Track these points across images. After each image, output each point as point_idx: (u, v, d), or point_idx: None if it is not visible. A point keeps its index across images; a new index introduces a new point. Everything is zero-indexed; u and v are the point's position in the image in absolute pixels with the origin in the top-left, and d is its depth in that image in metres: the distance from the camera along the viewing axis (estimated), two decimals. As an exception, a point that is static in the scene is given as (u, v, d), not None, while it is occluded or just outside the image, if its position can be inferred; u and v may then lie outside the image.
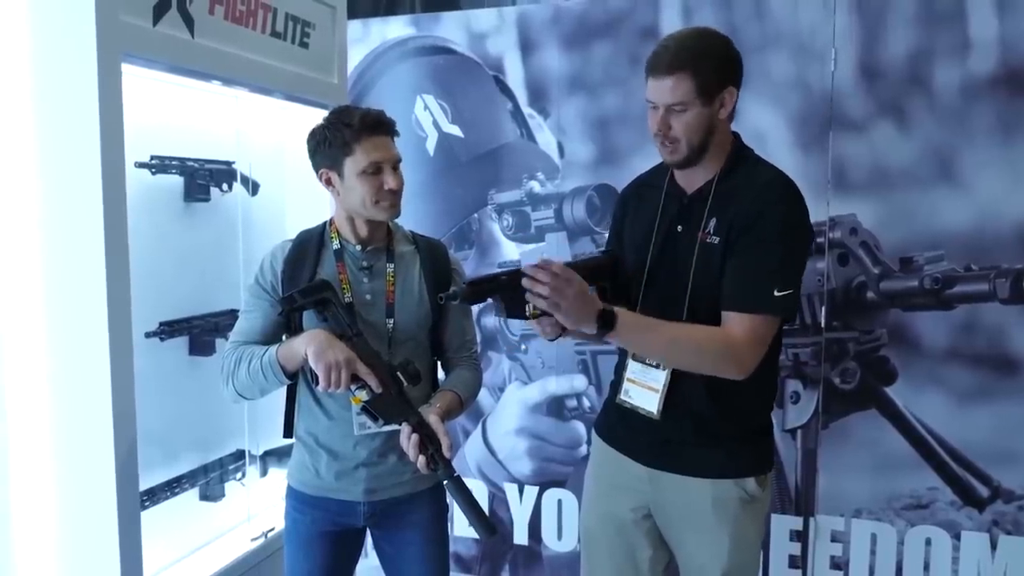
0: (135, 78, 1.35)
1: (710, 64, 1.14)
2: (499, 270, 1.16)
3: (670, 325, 1.17)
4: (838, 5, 1.79)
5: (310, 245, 1.27)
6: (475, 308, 1.63)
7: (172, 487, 1.58)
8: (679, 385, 1.21)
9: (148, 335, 1.51)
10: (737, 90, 1.17)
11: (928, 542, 1.86)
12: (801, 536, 1.94)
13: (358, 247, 1.27)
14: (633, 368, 1.26)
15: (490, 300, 1.14)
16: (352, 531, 1.31)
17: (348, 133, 1.18)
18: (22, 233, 1.27)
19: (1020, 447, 1.77)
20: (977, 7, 1.71)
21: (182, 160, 1.60)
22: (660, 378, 1.23)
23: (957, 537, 1.83)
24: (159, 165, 1.55)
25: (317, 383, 1.14)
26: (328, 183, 1.23)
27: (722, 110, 1.17)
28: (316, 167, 1.24)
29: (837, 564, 1.93)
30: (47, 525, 1.31)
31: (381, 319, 1.25)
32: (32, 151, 1.26)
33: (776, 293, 1.13)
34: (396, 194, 1.22)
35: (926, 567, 1.86)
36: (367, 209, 1.22)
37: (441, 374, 1.36)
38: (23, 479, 1.31)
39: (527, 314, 1.14)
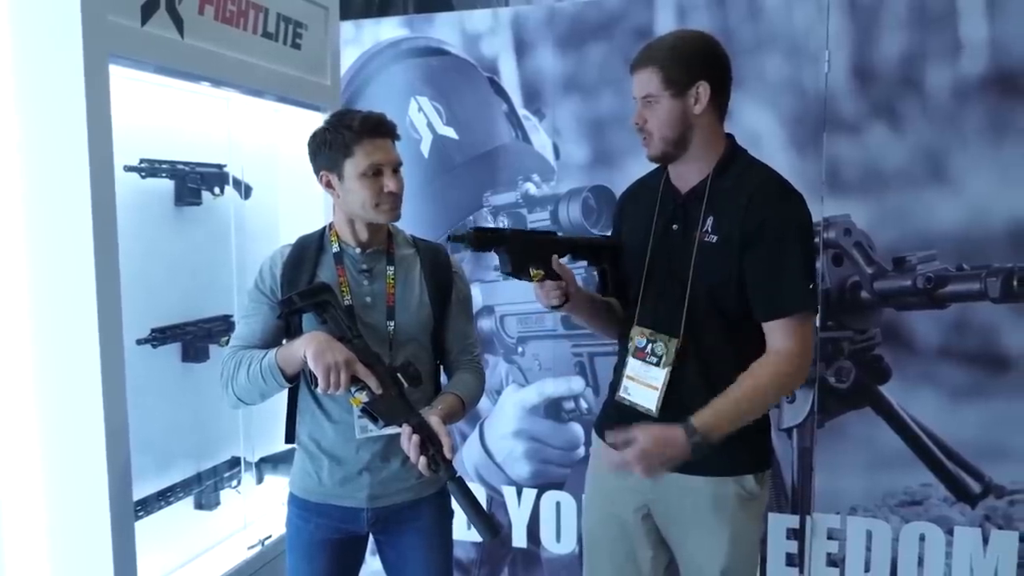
0: (123, 80, 1.32)
1: (677, 58, 1.18)
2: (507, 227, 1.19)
3: (736, 391, 1.15)
4: (832, 7, 1.80)
5: (309, 249, 1.26)
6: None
7: (166, 496, 1.55)
8: (678, 384, 1.21)
9: (139, 342, 1.48)
10: (714, 86, 1.18)
11: (922, 538, 1.88)
12: (798, 534, 1.96)
13: (357, 250, 1.26)
14: (633, 365, 1.26)
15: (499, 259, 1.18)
16: (355, 538, 1.30)
17: (348, 135, 1.17)
18: (8, 239, 1.24)
19: (1011, 443, 1.79)
20: (968, 10, 1.73)
21: (172, 163, 1.56)
22: (660, 376, 1.23)
23: (950, 532, 1.86)
24: (149, 168, 1.51)
25: (316, 385, 1.13)
26: (328, 185, 1.22)
27: (697, 105, 1.18)
28: (316, 169, 1.23)
29: (833, 561, 1.94)
30: (39, 538, 1.28)
31: (382, 321, 1.24)
32: (17, 155, 1.22)
33: (809, 287, 1.17)
34: (396, 197, 1.21)
35: (920, 562, 1.88)
36: (367, 212, 1.21)
37: (444, 379, 1.35)
38: (13, 491, 1.27)
39: (530, 274, 1.16)
